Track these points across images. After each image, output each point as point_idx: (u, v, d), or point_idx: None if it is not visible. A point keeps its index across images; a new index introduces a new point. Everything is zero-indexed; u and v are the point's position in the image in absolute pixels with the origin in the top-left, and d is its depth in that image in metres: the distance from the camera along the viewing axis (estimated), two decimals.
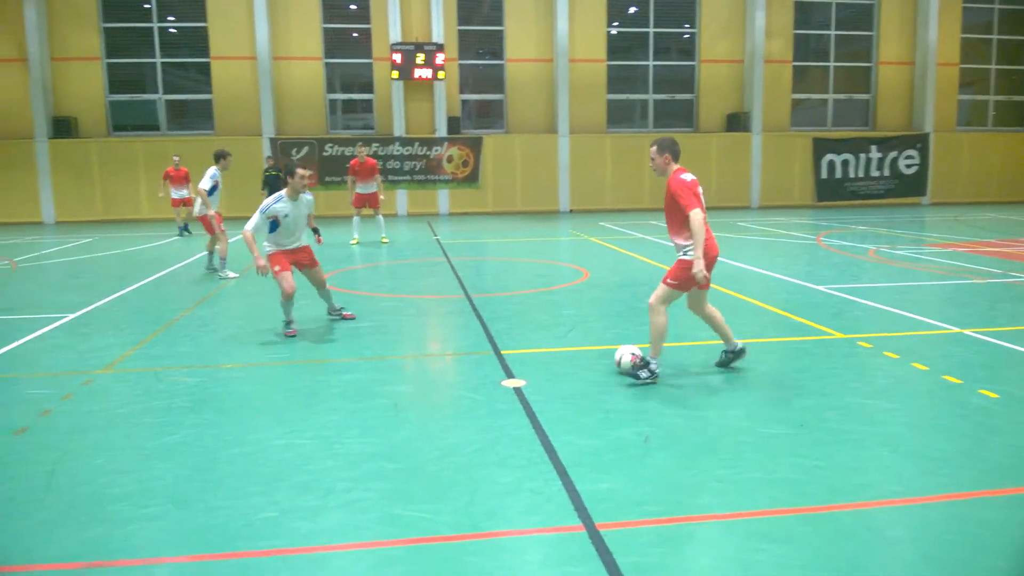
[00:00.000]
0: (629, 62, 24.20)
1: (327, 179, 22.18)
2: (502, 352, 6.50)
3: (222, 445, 4.51)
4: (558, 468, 4.07)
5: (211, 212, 10.92)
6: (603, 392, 5.38)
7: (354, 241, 14.98)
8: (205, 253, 11.65)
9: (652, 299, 5.57)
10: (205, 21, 21.91)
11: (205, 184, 10.79)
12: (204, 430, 4.75)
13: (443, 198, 23.14)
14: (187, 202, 17.09)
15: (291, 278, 7.14)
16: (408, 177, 22.81)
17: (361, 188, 14.94)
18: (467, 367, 6.26)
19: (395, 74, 21.68)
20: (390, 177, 22.21)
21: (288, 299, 7.12)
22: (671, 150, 5.47)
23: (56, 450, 4.45)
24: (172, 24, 22.20)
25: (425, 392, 5.71)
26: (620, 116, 24.45)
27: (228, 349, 6.79)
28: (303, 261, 7.48)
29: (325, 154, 22.23)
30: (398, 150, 22.57)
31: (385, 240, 15.14)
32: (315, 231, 7.89)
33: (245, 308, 8.90)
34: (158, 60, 22.09)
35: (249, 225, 7.13)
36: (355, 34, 22.91)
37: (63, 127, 21.22)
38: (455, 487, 3.88)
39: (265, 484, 3.96)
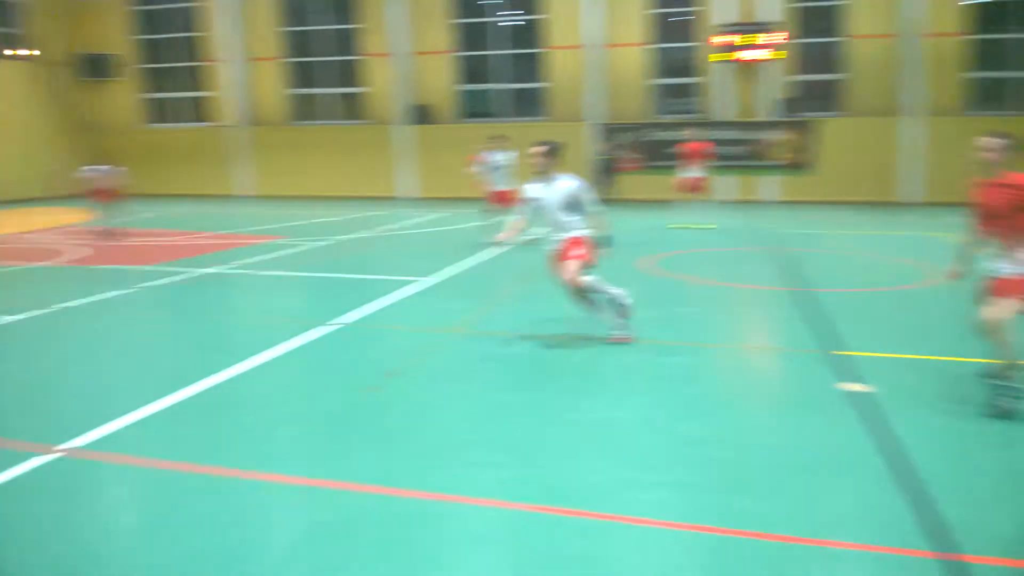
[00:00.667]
0: (997, 36, 20.77)
1: (651, 163, 22.34)
2: (843, 353, 6.03)
3: (554, 411, 4.82)
4: (907, 486, 3.69)
5: (492, 189, 12.46)
6: (964, 411, 4.70)
7: (679, 225, 14.92)
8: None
9: (992, 314, 4.55)
10: (541, 13, 23.24)
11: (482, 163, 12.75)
12: (537, 394, 5.11)
13: (772, 185, 22.09)
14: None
15: (575, 266, 6.16)
16: (735, 162, 22.10)
17: (689, 172, 14.88)
18: (800, 364, 5.93)
19: (723, 56, 21.08)
20: (716, 162, 21.72)
21: (574, 287, 6.18)
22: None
23: (417, 396, 5.09)
24: (511, 18, 23.97)
25: (756, 384, 5.57)
26: (984, 96, 21.13)
27: (557, 322, 7.13)
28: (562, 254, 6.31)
29: (649, 139, 22.41)
30: (724, 134, 21.96)
31: (712, 226, 14.86)
32: (603, 242, 6.44)
33: None
34: (499, 52, 24.00)
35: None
36: (680, 17, 22.67)
37: (422, 114, 24.09)
38: (787, 487, 3.73)
39: (593, 452, 4.15)
